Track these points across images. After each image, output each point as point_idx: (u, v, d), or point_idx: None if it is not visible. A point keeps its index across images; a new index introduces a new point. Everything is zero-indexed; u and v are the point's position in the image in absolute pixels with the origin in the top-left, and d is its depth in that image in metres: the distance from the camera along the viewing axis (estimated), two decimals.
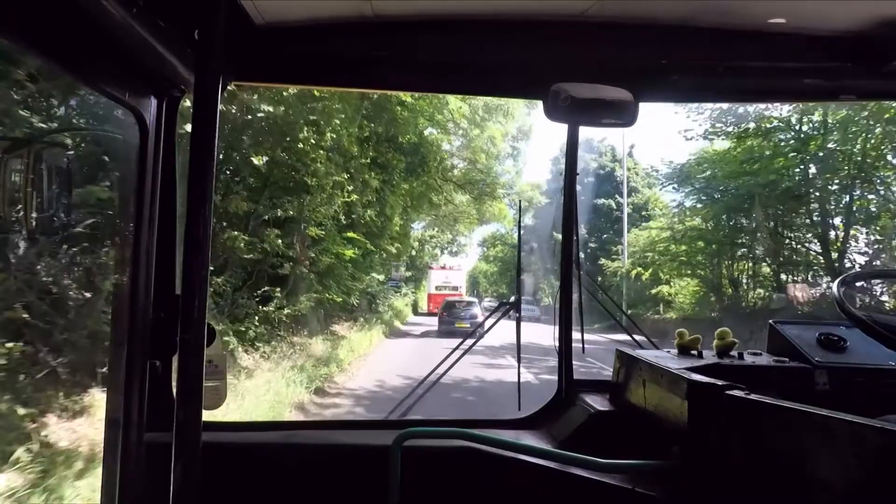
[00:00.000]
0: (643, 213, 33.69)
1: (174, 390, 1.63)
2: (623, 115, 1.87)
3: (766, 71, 1.92)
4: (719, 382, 1.36)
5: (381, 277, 23.28)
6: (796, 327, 1.99)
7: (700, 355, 1.93)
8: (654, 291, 24.59)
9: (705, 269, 21.97)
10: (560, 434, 1.95)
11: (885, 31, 1.69)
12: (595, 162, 36.72)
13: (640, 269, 25.93)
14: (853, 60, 1.80)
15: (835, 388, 1.73)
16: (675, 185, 23.02)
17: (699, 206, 21.83)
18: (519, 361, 2.39)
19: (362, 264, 16.83)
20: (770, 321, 2.06)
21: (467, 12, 1.71)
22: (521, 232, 3.05)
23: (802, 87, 2.01)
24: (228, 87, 1.87)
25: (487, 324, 2.58)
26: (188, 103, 1.42)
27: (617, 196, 35.32)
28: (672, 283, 24.39)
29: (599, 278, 28.08)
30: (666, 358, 1.86)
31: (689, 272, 22.62)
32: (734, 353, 1.91)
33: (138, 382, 1.53)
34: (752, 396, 1.26)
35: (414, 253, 36.70)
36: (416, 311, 37.74)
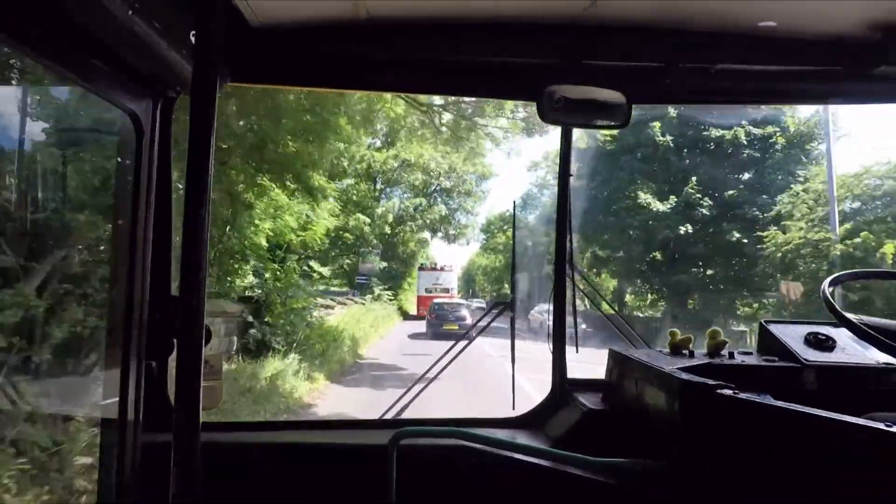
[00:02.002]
0: (808, 144, 20.43)
1: (170, 391, 1.64)
2: (616, 117, 1.91)
3: (758, 74, 1.94)
4: (710, 382, 1.38)
5: (325, 270, 12.57)
6: (786, 327, 2.01)
7: (691, 355, 1.95)
8: None
9: None
10: (554, 433, 1.96)
11: (875, 34, 1.71)
12: None
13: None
14: (844, 63, 1.83)
15: (823, 387, 1.75)
16: None
17: None
18: (513, 361, 2.40)
19: None
20: (761, 320, 2.09)
21: (461, 14, 1.72)
22: (516, 229, 3.07)
23: (794, 90, 2.04)
24: (224, 88, 1.87)
25: (480, 325, 2.59)
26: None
27: (745, 123, 20.74)
28: None
29: (759, 262, 18.11)
30: (658, 357, 1.88)
31: None
32: (725, 352, 1.93)
33: (134, 383, 1.54)
34: (742, 395, 1.28)
35: (387, 230, 26.66)
36: (404, 315, 32.48)
